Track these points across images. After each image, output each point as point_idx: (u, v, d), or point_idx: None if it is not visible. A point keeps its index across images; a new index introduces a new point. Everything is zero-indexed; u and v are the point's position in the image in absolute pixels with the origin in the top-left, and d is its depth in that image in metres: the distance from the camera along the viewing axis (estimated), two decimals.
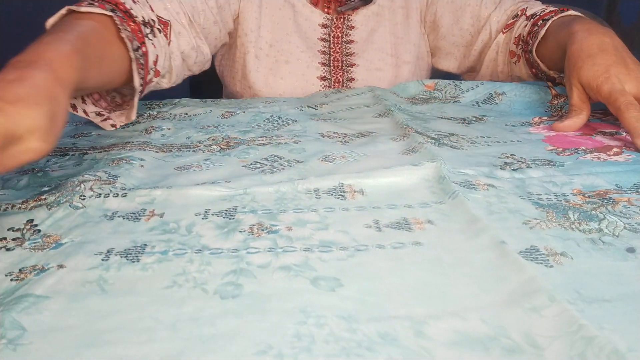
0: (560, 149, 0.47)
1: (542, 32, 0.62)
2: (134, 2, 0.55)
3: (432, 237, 0.32)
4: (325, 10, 0.76)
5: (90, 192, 0.37)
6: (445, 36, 0.78)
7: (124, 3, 0.53)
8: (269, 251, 0.31)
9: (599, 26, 0.56)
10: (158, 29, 0.56)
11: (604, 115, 0.58)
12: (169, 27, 0.59)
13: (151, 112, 0.62)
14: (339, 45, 0.76)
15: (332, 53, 0.76)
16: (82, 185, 0.38)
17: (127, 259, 0.30)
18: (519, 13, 0.70)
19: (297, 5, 0.76)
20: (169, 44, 0.59)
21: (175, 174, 0.42)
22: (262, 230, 0.33)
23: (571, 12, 0.63)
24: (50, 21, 0.49)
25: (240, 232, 0.33)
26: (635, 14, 1.58)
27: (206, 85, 0.94)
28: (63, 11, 0.49)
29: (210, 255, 0.31)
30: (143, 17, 0.54)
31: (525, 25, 0.67)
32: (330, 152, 0.45)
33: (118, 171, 0.41)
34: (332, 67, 0.76)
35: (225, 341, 0.24)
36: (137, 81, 0.52)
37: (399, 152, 0.46)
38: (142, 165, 0.43)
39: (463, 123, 0.57)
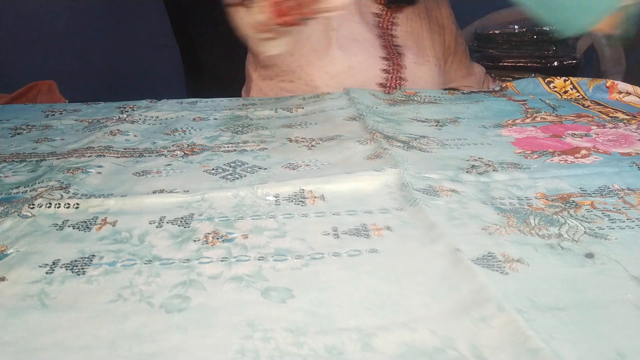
0: (529, 152, 0.47)
1: None
2: None
3: (389, 244, 0.31)
4: (378, 0, 0.82)
5: (41, 200, 0.36)
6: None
7: None
8: (221, 261, 0.30)
9: None
10: None
11: (577, 117, 0.58)
12: None
13: (121, 115, 0.60)
14: (388, 35, 0.81)
15: (384, 38, 0.80)
16: (31, 193, 0.37)
17: (73, 272, 0.29)
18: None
19: None
20: None
21: (132, 180, 0.41)
22: (217, 239, 0.32)
23: None
24: None
25: (195, 241, 0.32)
26: None
27: (205, 87, 0.93)
28: None
29: (160, 266, 0.30)
30: None
31: None
32: (295, 160, 0.45)
33: (72, 181, 0.40)
34: (388, 49, 0.79)
35: (166, 359, 0.23)
36: None
37: (363, 156, 0.45)
38: (99, 172, 0.42)
39: (436, 125, 0.57)
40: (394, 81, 0.77)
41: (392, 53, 0.79)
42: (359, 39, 0.76)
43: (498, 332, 0.23)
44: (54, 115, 0.62)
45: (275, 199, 0.37)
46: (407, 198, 0.36)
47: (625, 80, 0.69)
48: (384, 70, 0.77)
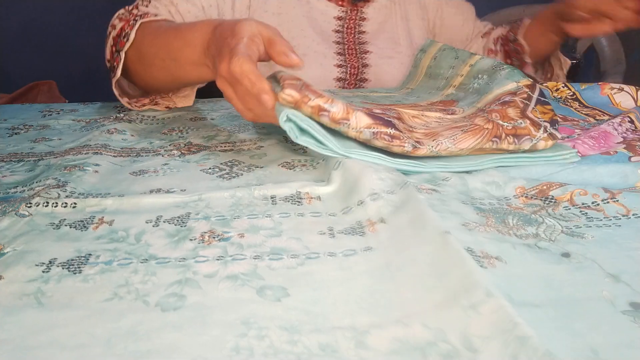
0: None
1: (527, 21, 0.79)
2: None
3: (383, 239, 0.31)
4: (340, 3, 0.79)
5: (38, 199, 0.36)
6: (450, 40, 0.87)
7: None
8: (217, 260, 0.30)
9: None
10: None
11: (563, 119, 0.58)
12: None
13: (118, 115, 0.60)
14: (352, 35, 0.79)
15: (346, 42, 0.79)
16: (29, 192, 0.37)
17: (69, 270, 0.29)
18: (493, 27, 0.92)
19: (312, 1, 0.78)
20: None
21: (129, 179, 0.41)
22: (214, 237, 0.32)
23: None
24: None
25: (191, 240, 0.32)
26: None
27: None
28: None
29: (156, 264, 0.30)
30: None
31: (504, 29, 0.87)
32: (291, 159, 0.45)
33: (69, 178, 0.40)
34: (347, 56, 0.78)
35: (161, 357, 0.23)
36: None
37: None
38: (96, 171, 0.42)
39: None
40: (350, 86, 0.77)
41: (352, 56, 0.78)
42: (308, 53, 0.76)
43: (487, 319, 0.23)
44: (51, 115, 0.62)
45: (272, 199, 0.37)
46: (397, 181, 0.36)
47: (625, 80, 0.70)
48: (338, 78, 0.77)
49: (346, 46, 0.78)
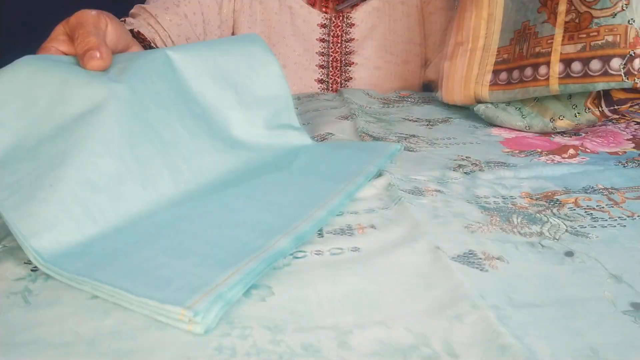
0: (516, 151, 0.47)
1: None
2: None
3: (372, 242, 0.31)
4: (324, 9, 0.74)
5: None
6: (434, 46, 0.79)
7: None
8: None
9: None
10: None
11: None
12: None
13: None
14: (339, 45, 0.74)
15: (331, 54, 0.74)
16: None
17: None
18: None
19: (294, 7, 0.74)
20: None
21: None
22: None
23: None
24: None
25: None
26: None
27: None
28: None
29: None
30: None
31: None
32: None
33: None
34: (330, 69, 0.74)
35: (144, 356, 0.23)
36: None
37: None
38: None
39: (427, 125, 0.57)
40: None
41: (336, 69, 0.73)
42: (288, 64, 0.72)
43: (471, 328, 0.23)
44: None
45: None
46: (393, 197, 0.37)
47: None
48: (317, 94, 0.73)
49: (330, 58, 0.74)
